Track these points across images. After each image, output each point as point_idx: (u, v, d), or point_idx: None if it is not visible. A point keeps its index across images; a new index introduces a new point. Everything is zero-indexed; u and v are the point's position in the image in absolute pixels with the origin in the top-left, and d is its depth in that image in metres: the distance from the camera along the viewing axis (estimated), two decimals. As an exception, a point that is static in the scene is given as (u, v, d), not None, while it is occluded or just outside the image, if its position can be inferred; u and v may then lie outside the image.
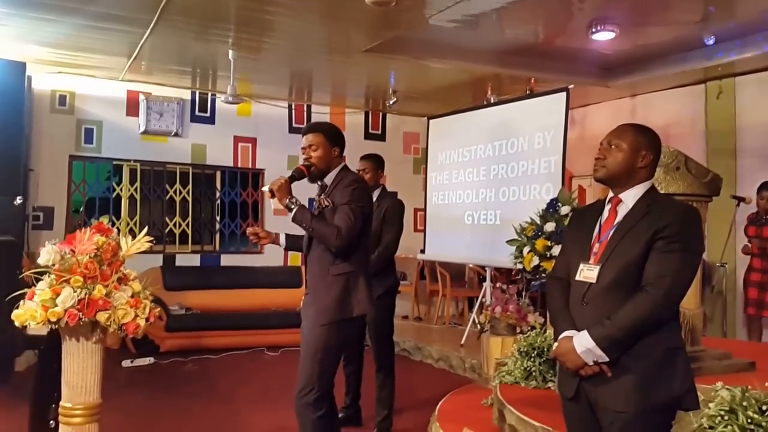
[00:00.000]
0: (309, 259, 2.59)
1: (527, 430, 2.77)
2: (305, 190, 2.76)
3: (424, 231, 6.31)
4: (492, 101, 6.10)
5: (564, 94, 4.93)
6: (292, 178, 2.52)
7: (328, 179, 2.59)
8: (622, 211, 1.74)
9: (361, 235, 2.52)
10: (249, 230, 2.76)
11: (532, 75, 5.79)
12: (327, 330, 2.46)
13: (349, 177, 2.58)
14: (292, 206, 2.43)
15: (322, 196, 2.55)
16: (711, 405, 2.11)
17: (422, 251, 6.25)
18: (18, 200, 4.69)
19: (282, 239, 2.78)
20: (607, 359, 1.62)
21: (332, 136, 2.61)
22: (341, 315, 2.48)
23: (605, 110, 6.85)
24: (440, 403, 3.60)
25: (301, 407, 2.46)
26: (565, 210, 3.98)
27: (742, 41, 4.89)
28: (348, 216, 2.43)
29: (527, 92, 5.84)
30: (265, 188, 2.47)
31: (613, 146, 1.75)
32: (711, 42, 4.78)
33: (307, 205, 2.56)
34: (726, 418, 2.04)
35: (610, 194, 1.80)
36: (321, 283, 2.51)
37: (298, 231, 2.76)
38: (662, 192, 2.73)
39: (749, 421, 2.01)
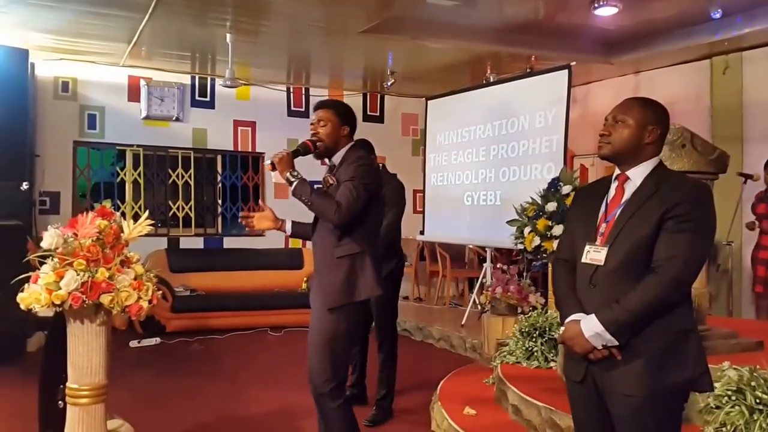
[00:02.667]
0: (314, 241, 2.50)
1: (529, 410, 2.80)
2: (314, 172, 2.69)
3: (424, 212, 6.33)
4: (491, 80, 6.05)
5: (566, 71, 4.87)
6: (296, 153, 2.43)
7: (336, 158, 2.49)
8: (630, 189, 1.66)
9: (367, 214, 2.41)
10: (242, 214, 2.64)
11: (532, 53, 5.72)
12: (335, 316, 2.37)
13: (355, 154, 2.47)
14: (293, 179, 2.35)
15: (327, 175, 2.47)
16: (718, 385, 2.08)
17: (422, 232, 6.28)
18: (24, 185, 4.77)
19: (288, 226, 2.63)
20: (617, 343, 1.57)
21: (342, 113, 2.50)
22: (348, 299, 2.38)
23: (608, 88, 6.76)
24: (442, 382, 3.63)
25: (318, 398, 2.38)
26: (566, 189, 3.97)
27: (749, 14, 4.75)
28: (350, 191, 2.32)
29: (528, 70, 5.79)
30: (267, 161, 2.41)
31: (618, 122, 1.67)
32: (717, 15, 4.65)
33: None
34: (734, 398, 2.04)
35: (617, 171, 1.72)
36: (325, 266, 2.42)
37: (306, 218, 2.75)
38: (667, 170, 2.73)
39: (758, 401, 2.00)
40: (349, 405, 2.44)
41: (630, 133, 1.66)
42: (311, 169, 2.78)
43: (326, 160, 2.56)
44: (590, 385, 1.66)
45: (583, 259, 1.67)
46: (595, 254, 1.65)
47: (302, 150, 2.46)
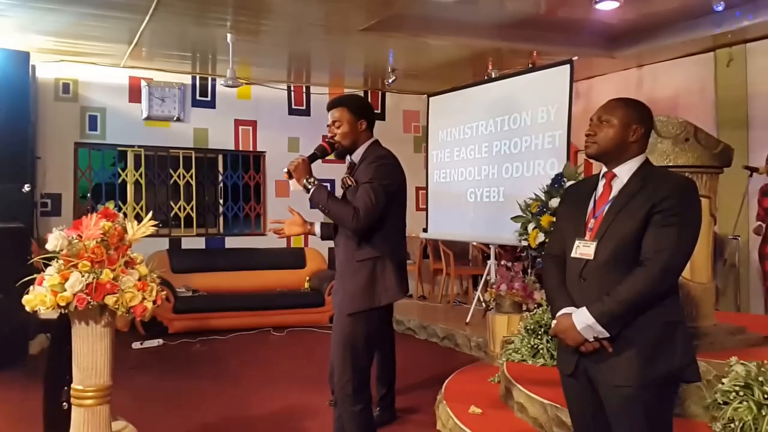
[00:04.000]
0: (336, 243, 2.44)
1: (535, 407, 2.79)
2: (329, 172, 2.59)
3: (427, 209, 6.32)
4: (493, 76, 6.03)
5: (568, 66, 4.84)
6: (314, 157, 2.36)
7: (356, 156, 2.41)
8: (617, 186, 1.72)
9: (388, 216, 2.34)
10: (271, 227, 2.58)
11: (534, 48, 5.70)
12: (354, 320, 2.32)
13: (375, 153, 2.38)
14: (310, 186, 2.28)
15: (346, 175, 2.39)
16: (725, 380, 2.11)
17: (425, 230, 6.27)
18: (26, 188, 4.76)
19: (317, 228, 2.56)
20: (608, 335, 1.62)
21: (357, 108, 2.42)
22: (367, 305, 2.32)
23: (611, 82, 6.71)
24: (447, 381, 3.62)
25: (341, 398, 2.37)
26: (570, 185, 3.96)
27: (753, 5, 4.72)
28: (368, 195, 2.25)
29: (529, 66, 5.77)
30: (285, 170, 2.34)
31: (603, 122, 1.74)
32: (720, 8, 4.62)
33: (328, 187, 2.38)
34: (741, 393, 2.04)
35: (604, 169, 1.78)
36: (347, 270, 2.37)
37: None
38: (672, 165, 2.69)
39: (765, 396, 2.01)
40: (370, 410, 2.41)
41: (615, 133, 1.72)
42: (321, 168, 2.68)
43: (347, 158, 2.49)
44: (582, 377, 1.71)
45: (573, 254, 1.73)
46: (584, 249, 1.70)
47: (319, 153, 2.39)
